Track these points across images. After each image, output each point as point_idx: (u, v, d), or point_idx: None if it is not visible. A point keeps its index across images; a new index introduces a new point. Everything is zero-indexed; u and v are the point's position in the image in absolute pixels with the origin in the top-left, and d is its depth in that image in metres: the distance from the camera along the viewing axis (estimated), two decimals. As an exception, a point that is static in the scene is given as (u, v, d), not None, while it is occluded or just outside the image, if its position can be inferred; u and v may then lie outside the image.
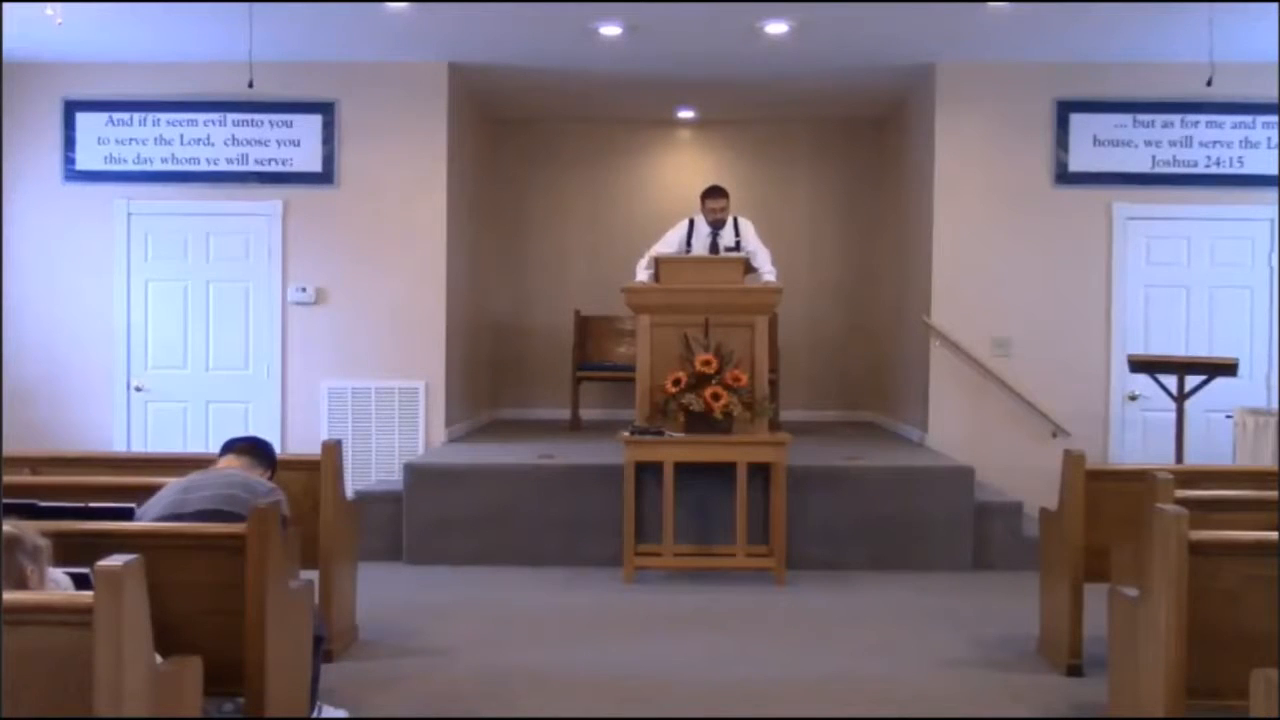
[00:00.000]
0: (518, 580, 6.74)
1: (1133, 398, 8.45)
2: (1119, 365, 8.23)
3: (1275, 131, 8.39)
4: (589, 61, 8.56)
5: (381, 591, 6.23)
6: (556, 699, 4.66)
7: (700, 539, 6.93)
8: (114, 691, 2.71)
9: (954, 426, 8.42)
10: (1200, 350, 8.22)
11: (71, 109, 8.60)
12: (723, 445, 6.62)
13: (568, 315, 10.03)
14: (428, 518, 7.16)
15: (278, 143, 8.59)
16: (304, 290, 8.61)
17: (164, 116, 8.58)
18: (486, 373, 10.57)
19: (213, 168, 8.60)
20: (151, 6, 7.27)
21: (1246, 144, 8.44)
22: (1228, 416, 7.70)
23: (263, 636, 3.53)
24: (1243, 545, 3.68)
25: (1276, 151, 8.37)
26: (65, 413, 8.56)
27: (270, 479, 4.40)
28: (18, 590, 2.85)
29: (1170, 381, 7.15)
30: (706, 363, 6.60)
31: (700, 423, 6.58)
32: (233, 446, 4.49)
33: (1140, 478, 4.60)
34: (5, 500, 3.82)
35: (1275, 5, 6.87)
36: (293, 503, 4.99)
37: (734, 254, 7.48)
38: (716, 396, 6.52)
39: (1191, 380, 7.08)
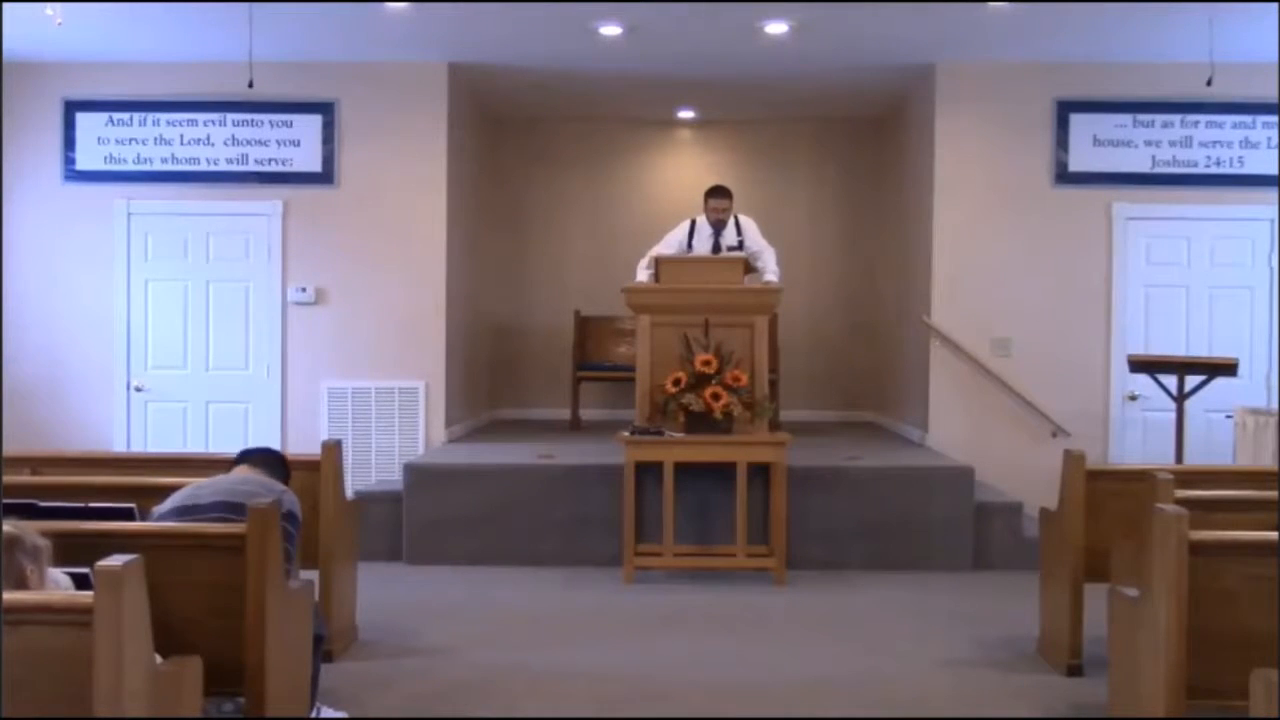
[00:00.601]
0: (518, 580, 6.74)
1: (1133, 398, 8.45)
2: (1119, 365, 8.23)
3: (1275, 131, 8.39)
4: (589, 61, 8.56)
5: (381, 591, 6.23)
6: (556, 699, 4.66)
7: (700, 539, 6.93)
8: (114, 691, 2.71)
9: (954, 426, 8.42)
10: (1200, 350, 8.22)
11: (71, 109, 8.60)
12: (723, 445, 6.62)
13: (568, 315, 10.03)
14: (428, 518, 7.16)
15: (278, 143, 8.59)
16: (304, 290, 8.61)
17: (164, 116, 8.58)
18: (486, 373, 10.57)
19: (213, 168, 8.60)
20: (151, 6, 7.27)
21: (1246, 144, 8.44)
22: (1228, 416, 7.70)
23: (263, 636, 3.53)
24: (1243, 545, 3.68)
25: (1276, 151, 8.37)
26: (65, 413, 8.56)
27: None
28: (18, 590, 2.85)
29: (1170, 381, 7.15)
30: (706, 363, 6.60)
31: (700, 423, 6.58)
32: (248, 456, 4.48)
33: (1140, 478, 4.60)
34: (5, 500, 3.82)
35: (1275, 5, 6.87)
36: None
37: (736, 254, 7.48)
38: (716, 396, 6.52)
39: (1191, 380, 7.08)
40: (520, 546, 7.11)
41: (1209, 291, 8.53)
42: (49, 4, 6.47)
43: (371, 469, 8.50)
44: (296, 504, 4.15)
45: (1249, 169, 8.43)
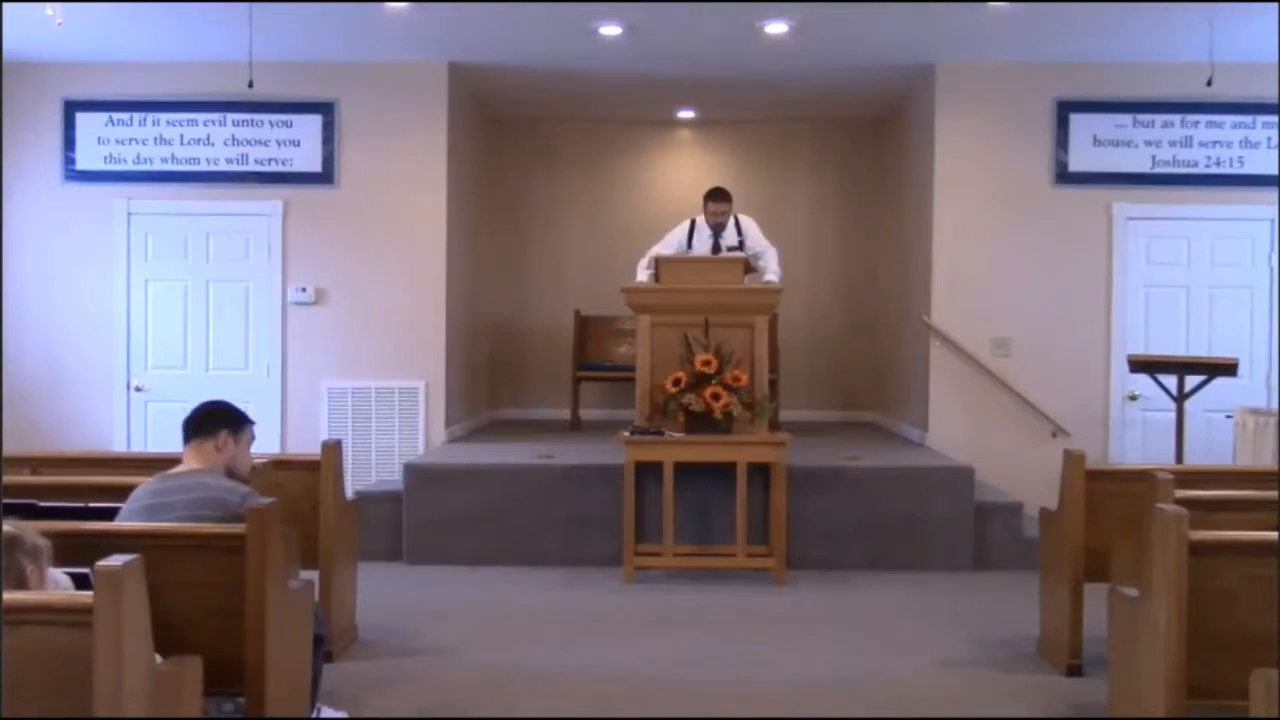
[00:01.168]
0: (518, 580, 6.74)
1: (1133, 398, 8.45)
2: (1119, 365, 8.23)
3: (1275, 131, 8.39)
4: (589, 61, 8.56)
5: (381, 591, 6.23)
6: (556, 699, 4.66)
7: (700, 539, 6.93)
8: (114, 691, 2.71)
9: (954, 426, 8.42)
10: (1200, 350, 8.22)
11: (71, 109, 8.60)
12: (723, 445, 6.62)
13: (568, 315, 10.03)
14: (428, 518, 7.16)
15: (278, 143, 8.59)
16: (304, 290, 8.61)
17: (164, 116, 8.58)
18: (486, 373, 10.57)
19: (213, 168, 8.60)
20: (151, 6, 7.27)
21: (1246, 144, 8.44)
22: (1228, 416, 7.70)
23: (263, 636, 3.53)
24: (1243, 545, 3.68)
25: (1276, 151, 8.37)
26: (65, 413, 8.56)
27: (238, 434, 4.04)
28: (18, 590, 2.85)
29: (1170, 381, 7.15)
30: (706, 363, 6.60)
31: (700, 423, 6.58)
32: (189, 434, 4.01)
33: (1140, 478, 4.60)
34: (5, 500, 3.81)
35: (1275, 5, 6.87)
36: (292, 503, 5.00)
37: (736, 254, 7.48)
38: (716, 396, 6.52)
39: (1191, 380, 7.08)
40: (520, 546, 7.11)
41: (1209, 291, 8.53)
42: (49, 4, 6.47)
43: (371, 469, 8.50)
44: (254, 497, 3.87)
45: (1249, 169, 8.44)
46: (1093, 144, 8.48)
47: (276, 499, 3.80)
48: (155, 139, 8.59)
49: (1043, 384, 8.43)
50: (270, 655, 3.56)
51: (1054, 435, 8.30)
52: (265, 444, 5.69)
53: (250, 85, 7.44)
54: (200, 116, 8.58)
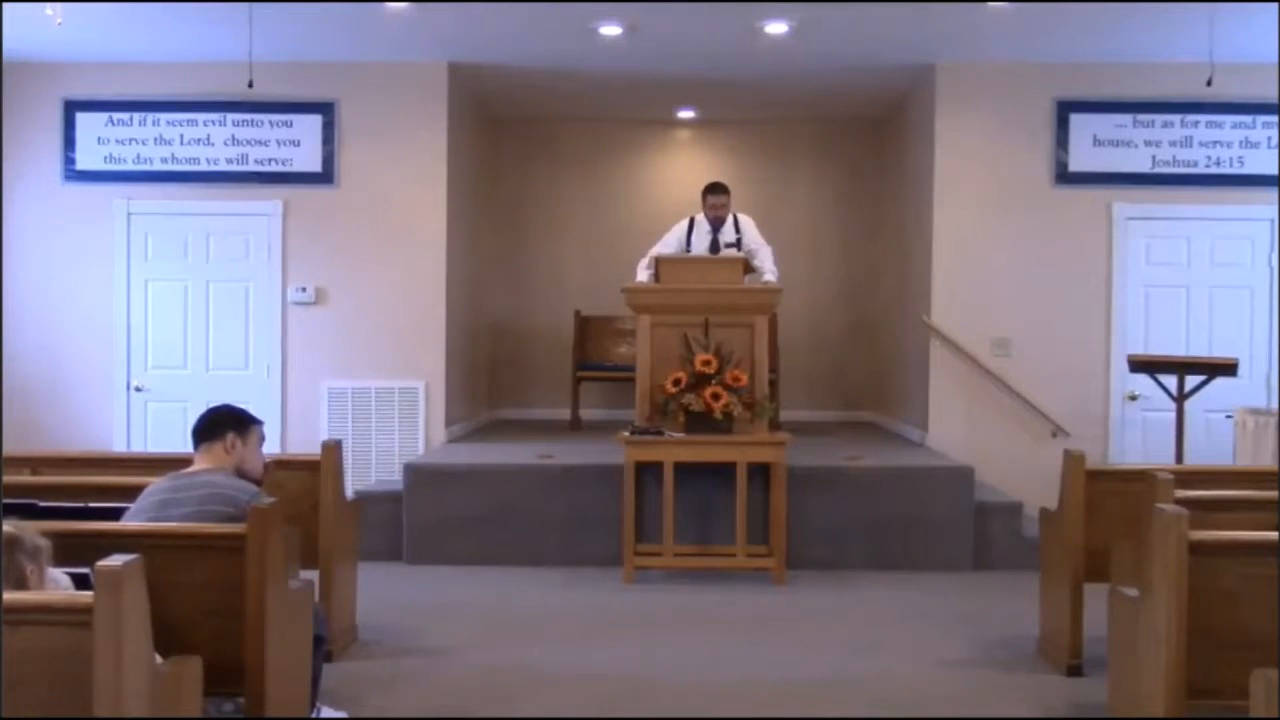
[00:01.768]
0: (518, 580, 6.74)
1: (1133, 398, 8.45)
2: (1119, 365, 8.23)
3: (1275, 131, 8.39)
4: (589, 61, 8.56)
5: (381, 591, 6.23)
6: (556, 699, 4.66)
7: (700, 539, 6.93)
8: (114, 691, 2.71)
9: (954, 426, 8.42)
10: (1200, 350, 8.22)
11: (71, 109, 8.60)
12: (723, 445, 6.62)
13: (568, 315, 10.03)
14: (428, 518, 7.16)
15: (278, 143, 8.59)
16: (304, 290, 8.61)
17: (164, 116, 8.58)
18: (486, 373, 10.57)
19: (213, 168, 8.60)
20: (151, 6, 7.27)
21: (1246, 144, 8.44)
22: (1228, 416, 7.70)
23: (263, 637, 3.53)
24: (1243, 545, 3.68)
25: (1276, 151, 8.37)
26: (65, 413, 8.57)
27: (245, 435, 4.07)
28: (18, 590, 2.85)
29: (1170, 381, 7.15)
30: (706, 363, 6.60)
31: (700, 423, 6.58)
32: (197, 440, 4.05)
33: (1140, 478, 4.59)
34: (5, 500, 3.81)
35: (1275, 5, 6.87)
36: (292, 502, 4.99)
37: (734, 253, 7.48)
38: (716, 396, 6.52)
39: (1191, 380, 7.09)
40: (520, 546, 7.11)
41: (1209, 291, 8.53)
42: (49, 4, 6.47)
43: (371, 469, 8.50)
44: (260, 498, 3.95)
45: (1249, 169, 8.44)
46: (1093, 144, 8.48)
47: (277, 499, 3.81)
48: (155, 139, 8.59)
49: (1043, 384, 8.43)
50: (270, 655, 3.56)
51: (1054, 435, 8.30)
52: (265, 444, 5.67)
53: (250, 85, 7.43)
54: (200, 116, 8.58)
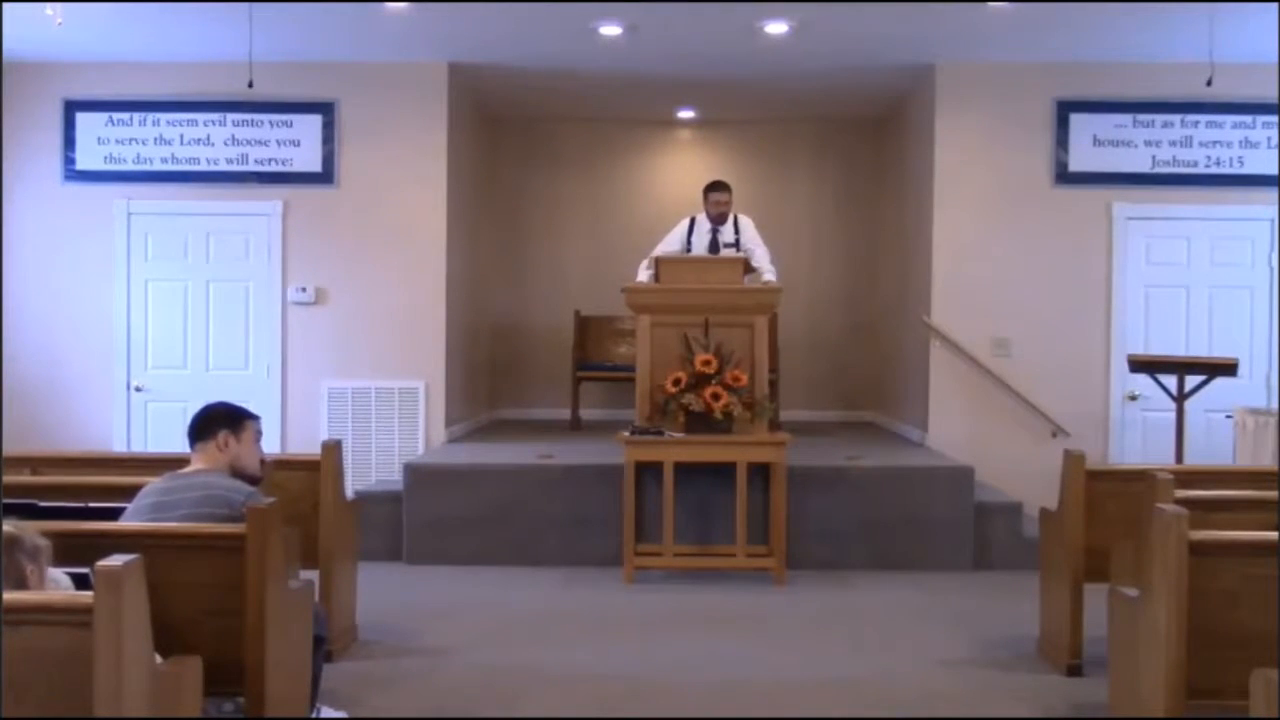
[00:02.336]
0: (518, 580, 6.74)
1: (1133, 398, 8.45)
2: (1119, 365, 8.23)
3: (1275, 131, 8.39)
4: (589, 61, 8.56)
5: (381, 591, 6.23)
6: (556, 699, 4.67)
7: (700, 539, 6.93)
8: (114, 691, 2.71)
9: (954, 426, 8.42)
10: (1200, 350, 8.22)
11: (71, 109, 8.60)
12: (723, 445, 6.62)
13: (568, 315, 10.03)
14: (428, 518, 7.16)
15: (278, 143, 8.59)
16: (304, 290, 8.61)
17: (164, 116, 8.58)
18: (486, 373, 10.57)
19: (213, 168, 8.60)
20: (151, 6, 7.27)
21: (1246, 144, 8.44)
22: (1228, 416, 7.70)
23: (263, 636, 3.53)
24: (1243, 545, 3.68)
25: (1276, 151, 8.37)
26: (65, 413, 8.56)
27: (238, 431, 4.05)
28: (18, 590, 2.85)
29: (1170, 381, 7.15)
30: (706, 363, 6.60)
31: (700, 423, 6.58)
32: (192, 439, 4.04)
33: (1140, 478, 4.59)
34: (5, 500, 3.81)
35: (1275, 5, 6.86)
36: (292, 502, 4.99)
37: (734, 254, 7.48)
38: (716, 396, 6.52)
39: (1191, 380, 7.08)
40: (520, 546, 7.11)
41: (1209, 291, 8.53)
42: (49, 4, 6.47)
43: (371, 469, 8.50)
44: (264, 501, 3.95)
45: (1249, 169, 8.43)
46: (1093, 144, 8.48)
47: (276, 499, 3.81)
48: (155, 139, 8.60)
49: (1043, 384, 8.43)
50: (270, 655, 3.56)
51: (1054, 435, 8.30)
52: (265, 444, 5.66)
53: (250, 85, 7.43)
54: (200, 116, 8.58)
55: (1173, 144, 8.46)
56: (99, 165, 8.61)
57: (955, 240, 8.55)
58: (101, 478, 4.70)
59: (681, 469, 6.65)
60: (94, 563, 2.76)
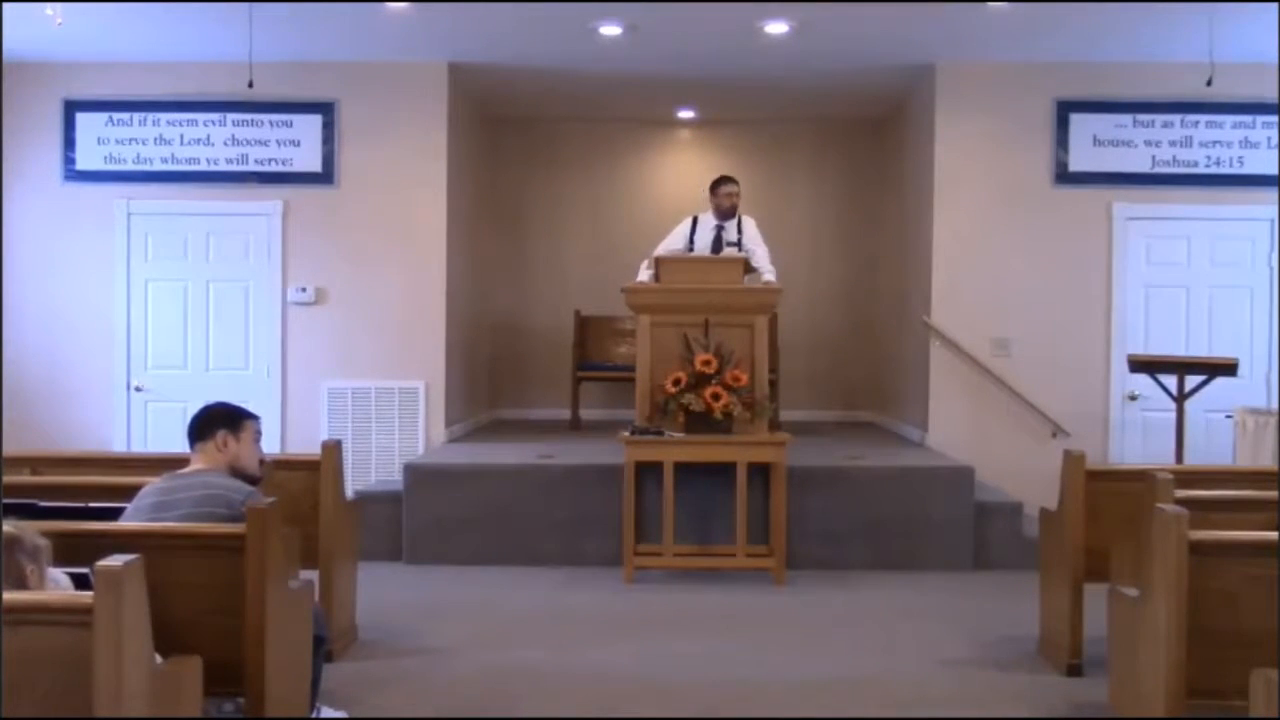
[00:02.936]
0: (518, 580, 6.74)
1: (1133, 398, 8.45)
2: (1119, 365, 8.23)
3: (1275, 131, 8.39)
4: (589, 61, 8.56)
5: (381, 591, 6.23)
6: (556, 699, 4.66)
7: (700, 539, 6.93)
8: (114, 691, 2.71)
9: (954, 426, 8.42)
10: (1200, 350, 8.22)
11: (71, 109, 8.60)
12: (723, 445, 6.62)
13: (568, 315, 10.03)
14: (427, 518, 7.16)
15: (278, 143, 8.59)
16: (304, 290, 8.61)
17: (164, 116, 8.58)
18: (486, 373, 10.57)
19: (213, 168, 8.60)
20: (151, 6, 7.27)
21: (1246, 144, 8.44)
22: (1228, 416, 7.69)
23: (263, 637, 3.53)
24: (1243, 545, 3.68)
25: (1276, 151, 8.37)
26: (65, 413, 8.56)
27: (238, 431, 4.06)
28: (18, 590, 2.85)
29: (1170, 381, 7.15)
30: (706, 363, 6.60)
31: (700, 423, 6.58)
32: (191, 439, 4.05)
33: (1140, 478, 4.59)
34: (5, 500, 3.81)
35: (1275, 5, 6.87)
36: (292, 503, 4.99)
37: (736, 254, 7.47)
38: (716, 396, 6.52)
39: (1191, 380, 7.08)
40: (520, 546, 7.11)
41: (1209, 291, 8.53)
42: (49, 4, 6.47)
43: (371, 469, 8.50)
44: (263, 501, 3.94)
45: (1249, 169, 8.43)
46: (1093, 144, 8.48)
47: (276, 499, 3.81)
48: (155, 139, 8.60)
49: (1043, 384, 8.43)
50: (270, 655, 3.56)
51: (1054, 435, 8.30)
52: (265, 444, 5.67)
53: (250, 85, 7.44)
54: (200, 116, 8.58)
55: (1173, 144, 8.46)
56: (99, 165, 8.61)
57: (955, 240, 8.55)
58: (101, 478, 4.70)
59: (681, 469, 6.65)
60: (94, 563, 2.76)
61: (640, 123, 10.75)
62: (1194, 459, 7.21)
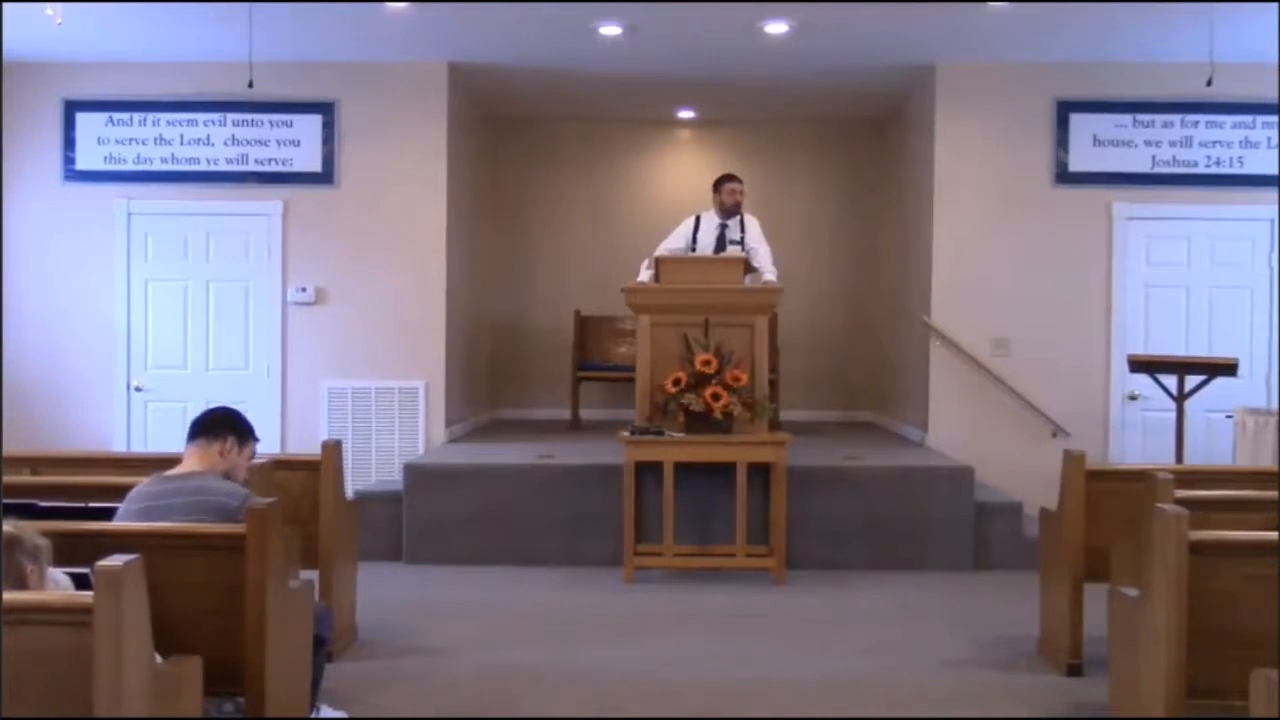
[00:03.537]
0: (518, 580, 6.74)
1: (1133, 398, 8.45)
2: (1119, 365, 8.23)
3: (1275, 131, 8.39)
4: (589, 61, 8.56)
5: (381, 591, 6.23)
6: (556, 699, 4.66)
7: (700, 539, 6.93)
8: (114, 691, 2.71)
9: (954, 426, 8.42)
10: (1200, 350, 8.22)
11: (71, 109, 8.60)
12: (723, 445, 6.62)
13: (568, 315, 10.03)
14: (428, 518, 7.16)
15: (278, 143, 8.59)
16: (304, 290, 8.61)
17: (164, 116, 8.58)
18: (486, 373, 10.57)
19: (213, 168, 8.60)
20: (151, 6, 7.28)
21: (1246, 144, 8.44)
22: (1228, 416, 7.70)
23: (263, 637, 3.53)
24: (1243, 545, 3.68)
25: (1276, 151, 8.37)
26: (65, 413, 8.56)
27: (243, 444, 4.05)
28: (18, 590, 2.85)
29: (1170, 381, 7.15)
30: (706, 363, 6.60)
31: (700, 423, 6.58)
32: (195, 433, 4.02)
33: (1140, 478, 4.59)
34: (5, 500, 3.81)
35: (1275, 5, 6.87)
36: (292, 503, 5.00)
37: (735, 253, 7.47)
38: (716, 396, 6.52)
39: (1191, 380, 7.08)
40: (520, 546, 7.11)
41: (1209, 291, 8.53)
42: (49, 4, 6.47)
43: (371, 469, 8.50)
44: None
45: (1249, 169, 8.43)
46: (1093, 144, 8.48)
47: (276, 499, 3.80)
48: (155, 139, 8.60)
49: (1043, 384, 8.43)
50: (270, 655, 3.56)
51: (1054, 435, 8.30)
52: (265, 444, 5.68)
53: (250, 85, 7.44)
54: (200, 116, 8.58)
55: (1173, 144, 8.46)
56: (99, 165, 8.61)
57: (955, 240, 8.55)
58: (101, 478, 4.70)
59: (681, 469, 6.65)
60: (94, 563, 2.76)
61: (640, 123, 10.75)
62: (1194, 459, 7.22)
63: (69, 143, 8.61)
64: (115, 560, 2.75)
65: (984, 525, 7.15)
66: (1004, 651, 5.39)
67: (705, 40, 7.94)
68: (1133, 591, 3.92)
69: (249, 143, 8.59)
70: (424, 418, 8.60)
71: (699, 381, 6.59)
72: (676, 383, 6.59)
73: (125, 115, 8.59)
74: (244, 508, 3.67)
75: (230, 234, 8.66)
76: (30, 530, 3.01)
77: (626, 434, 6.72)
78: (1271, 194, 8.37)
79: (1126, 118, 8.47)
